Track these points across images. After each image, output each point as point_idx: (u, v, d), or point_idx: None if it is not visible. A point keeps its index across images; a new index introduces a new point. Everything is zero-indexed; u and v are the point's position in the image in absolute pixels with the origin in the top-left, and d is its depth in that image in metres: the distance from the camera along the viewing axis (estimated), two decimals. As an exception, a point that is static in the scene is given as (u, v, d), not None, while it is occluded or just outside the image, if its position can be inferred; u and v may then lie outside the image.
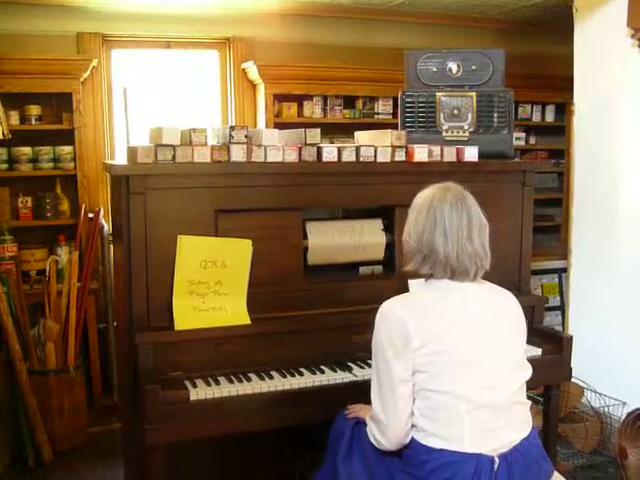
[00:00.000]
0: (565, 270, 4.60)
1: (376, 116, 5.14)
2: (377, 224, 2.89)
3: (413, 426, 1.97)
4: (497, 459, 1.91)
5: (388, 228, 2.89)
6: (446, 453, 1.89)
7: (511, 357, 2.02)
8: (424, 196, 2.07)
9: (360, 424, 2.17)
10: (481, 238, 2.02)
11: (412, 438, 1.97)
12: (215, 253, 2.55)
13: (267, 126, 4.69)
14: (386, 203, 2.86)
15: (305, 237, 2.75)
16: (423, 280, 2.11)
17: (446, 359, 1.91)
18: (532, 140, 5.71)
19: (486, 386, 1.93)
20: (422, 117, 3.21)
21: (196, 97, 4.97)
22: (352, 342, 2.68)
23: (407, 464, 1.98)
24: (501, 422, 1.94)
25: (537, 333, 2.90)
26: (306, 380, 2.49)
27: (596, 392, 3.76)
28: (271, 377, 2.49)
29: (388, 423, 1.97)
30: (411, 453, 1.97)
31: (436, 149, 2.86)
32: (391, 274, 2.88)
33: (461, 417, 1.90)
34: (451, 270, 2.00)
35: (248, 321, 2.57)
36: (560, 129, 5.69)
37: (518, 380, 2.03)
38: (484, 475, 1.88)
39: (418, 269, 2.06)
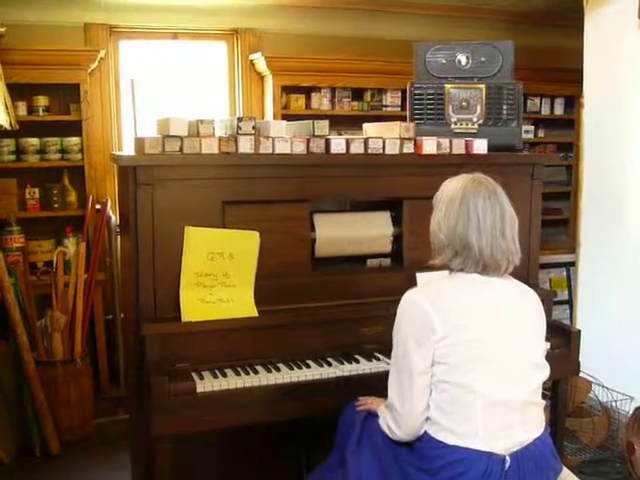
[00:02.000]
0: (573, 264, 4.57)
1: (384, 108, 5.10)
2: (385, 216, 2.88)
3: (427, 419, 1.95)
4: (508, 458, 1.89)
5: (396, 220, 2.87)
6: (458, 449, 1.87)
7: (531, 356, 1.99)
8: (454, 188, 1.99)
9: (371, 416, 2.15)
10: (512, 233, 1.97)
11: (425, 431, 1.95)
12: (222, 245, 2.54)
13: (275, 118, 4.67)
14: (394, 195, 2.85)
15: (313, 229, 2.74)
16: (431, 273, 2.08)
17: (466, 352, 1.88)
18: (541, 133, 5.67)
19: (503, 383, 1.91)
20: (431, 109, 3.19)
21: (204, 88, 4.96)
22: (359, 334, 2.67)
23: (418, 458, 1.96)
24: (515, 421, 1.92)
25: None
26: (313, 372, 2.48)
27: (604, 387, 3.74)
28: (278, 369, 2.48)
29: (404, 413, 1.95)
30: (423, 447, 1.95)
31: (445, 141, 2.85)
32: (399, 267, 2.87)
33: (476, 413, 1.88)
34: (483, 265, 1.95)
35: (255, 313, 2.56)
36: (569, 122, 5.65)
37: (536, 380, 2.00)
38: (495, 474, 1.86)
39: (448, 263, 2.00)
